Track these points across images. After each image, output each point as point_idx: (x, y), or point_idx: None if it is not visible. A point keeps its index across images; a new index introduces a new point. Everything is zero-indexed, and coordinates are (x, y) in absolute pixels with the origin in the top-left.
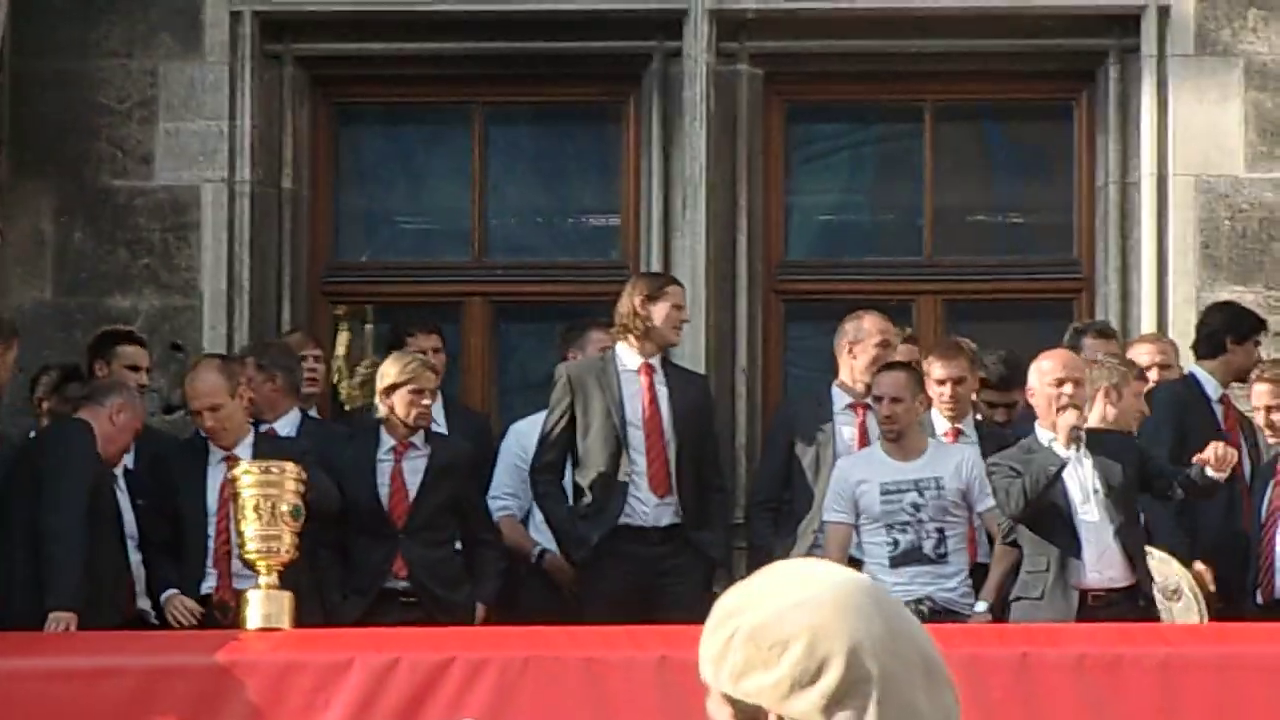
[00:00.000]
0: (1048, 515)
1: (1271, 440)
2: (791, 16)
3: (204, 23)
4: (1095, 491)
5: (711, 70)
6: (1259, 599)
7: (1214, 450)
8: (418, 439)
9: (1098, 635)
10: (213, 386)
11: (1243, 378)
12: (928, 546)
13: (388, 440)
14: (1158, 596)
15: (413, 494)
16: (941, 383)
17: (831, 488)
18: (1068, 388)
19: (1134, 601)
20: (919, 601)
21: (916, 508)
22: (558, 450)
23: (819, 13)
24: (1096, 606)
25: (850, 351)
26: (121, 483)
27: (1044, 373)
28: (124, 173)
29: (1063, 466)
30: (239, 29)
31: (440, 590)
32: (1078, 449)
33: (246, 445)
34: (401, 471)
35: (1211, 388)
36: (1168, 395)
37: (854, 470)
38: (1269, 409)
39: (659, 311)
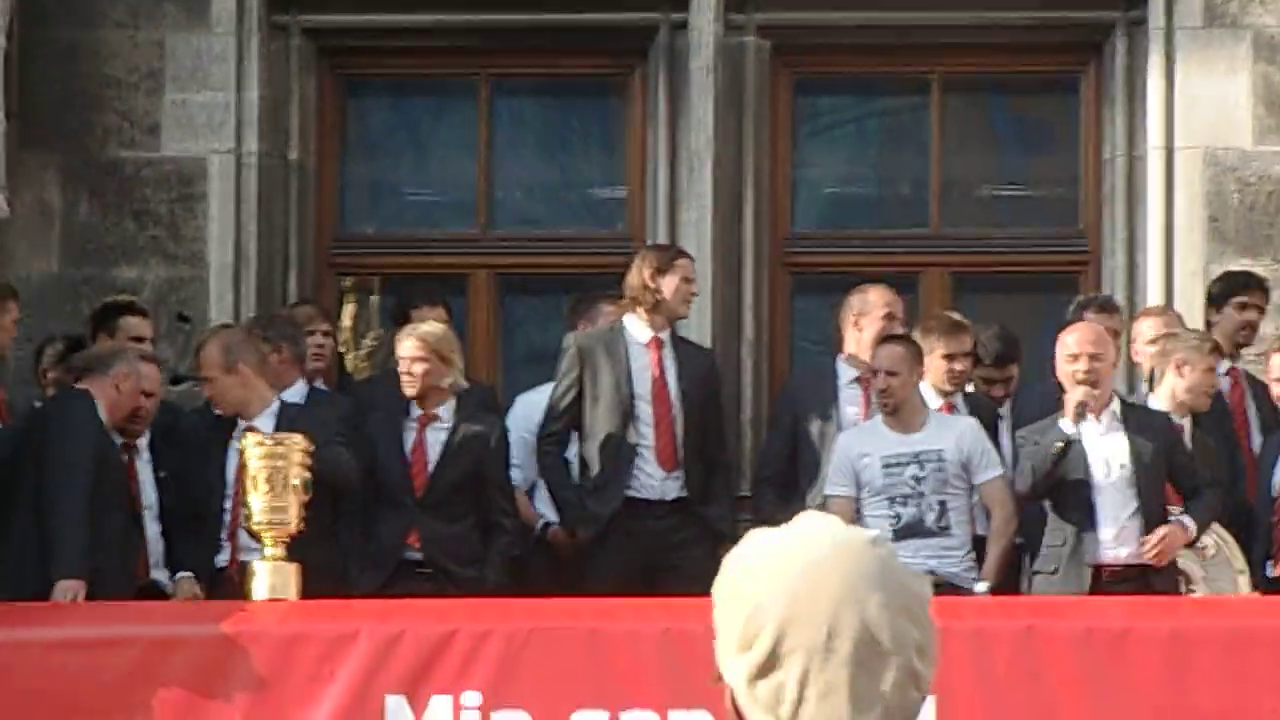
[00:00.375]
0: (1065, 489)
1: None
2: None
3: None
4: (1122, 467)
5: (718, 42)
6: (1271, 570)
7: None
8: (444, 410)
9: (1105, 609)
10: (207, 358)
11: (1246, 341)
12: (930, 519)
13: (414, 410)
14: (1189, 559)
15: (431, 467)
16: (950, 358)
17: (833, 461)
18: (1082, 363)
19: (1146, 580)
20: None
21: (918, 480)
22: (565, 420)
23: None
24: (1111, 582)
25: (856, 324)
26: (146, 454)
27: (1063, 347)
28: (131, 144)
29: (1068, 444)
30: (246, 1)
31: (454, 566)
32: (1098, 422)
33: (269, 416)
34: (424, 442)
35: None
36: None
37: (855, 443)
38: None
39: (669, 284)
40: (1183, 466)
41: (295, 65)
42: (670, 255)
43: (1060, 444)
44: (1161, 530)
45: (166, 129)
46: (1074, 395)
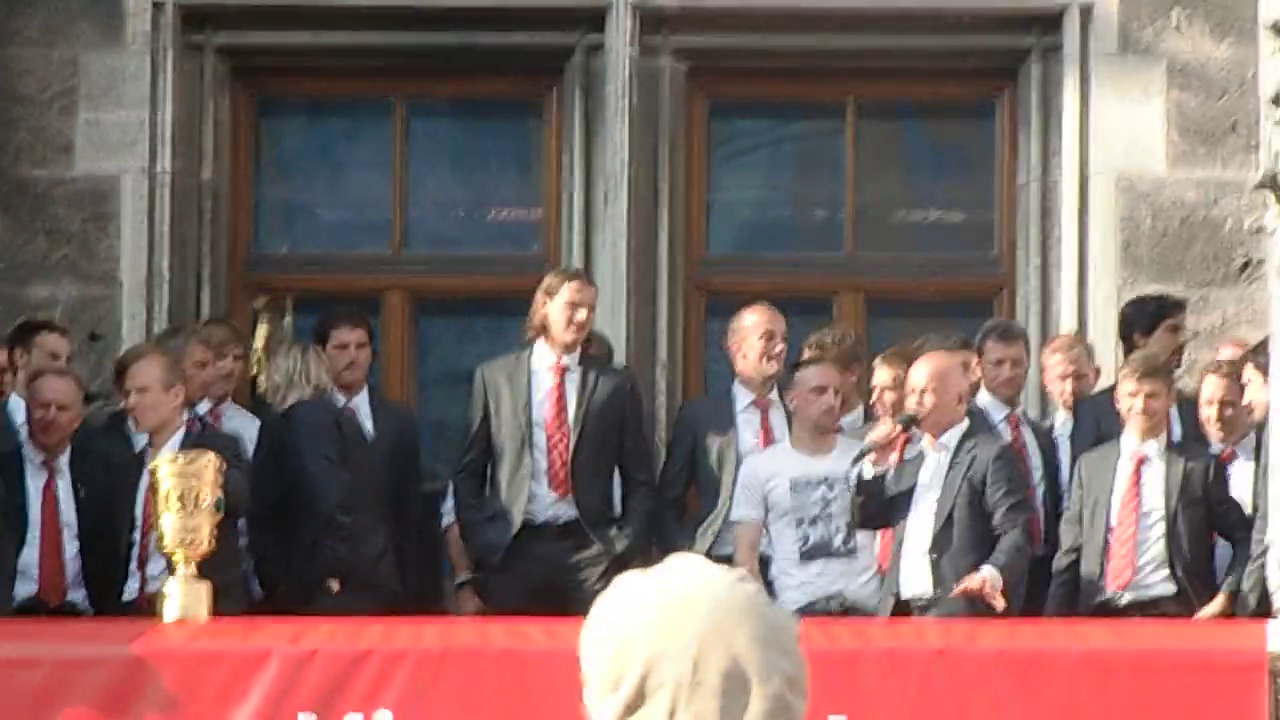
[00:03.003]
0: (891, 518)
1: (1217, 436)
2: (714, 12)
3: (125, 12)
4: (938, 501)
5: (634, 65)
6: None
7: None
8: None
9: (1016, 633)
10: (145, 373)
11: (1177, 364)
12: (837, 541)
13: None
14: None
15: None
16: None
17: (740, 484)
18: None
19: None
20: (830, 598)
21: (827, 502)
22: (476, 450)
23: (742, 8)
24: (912, 609)
25: (739, 349)
26: (65, 471)
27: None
28: (44, 162)
29: (861, 482)
30: (160, 19)
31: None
32: (934, 452)
33: (176, 439)
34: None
35: None
36: (1087, 409)
37: (762, 466)
38: (1221, 404)
39: (554, 309)
40: (995, 505)
41: (209, 84)
42: (560, 279)
43: (857, 476)
44: (965, 583)
45: (80, 147)
46: (872, 433)
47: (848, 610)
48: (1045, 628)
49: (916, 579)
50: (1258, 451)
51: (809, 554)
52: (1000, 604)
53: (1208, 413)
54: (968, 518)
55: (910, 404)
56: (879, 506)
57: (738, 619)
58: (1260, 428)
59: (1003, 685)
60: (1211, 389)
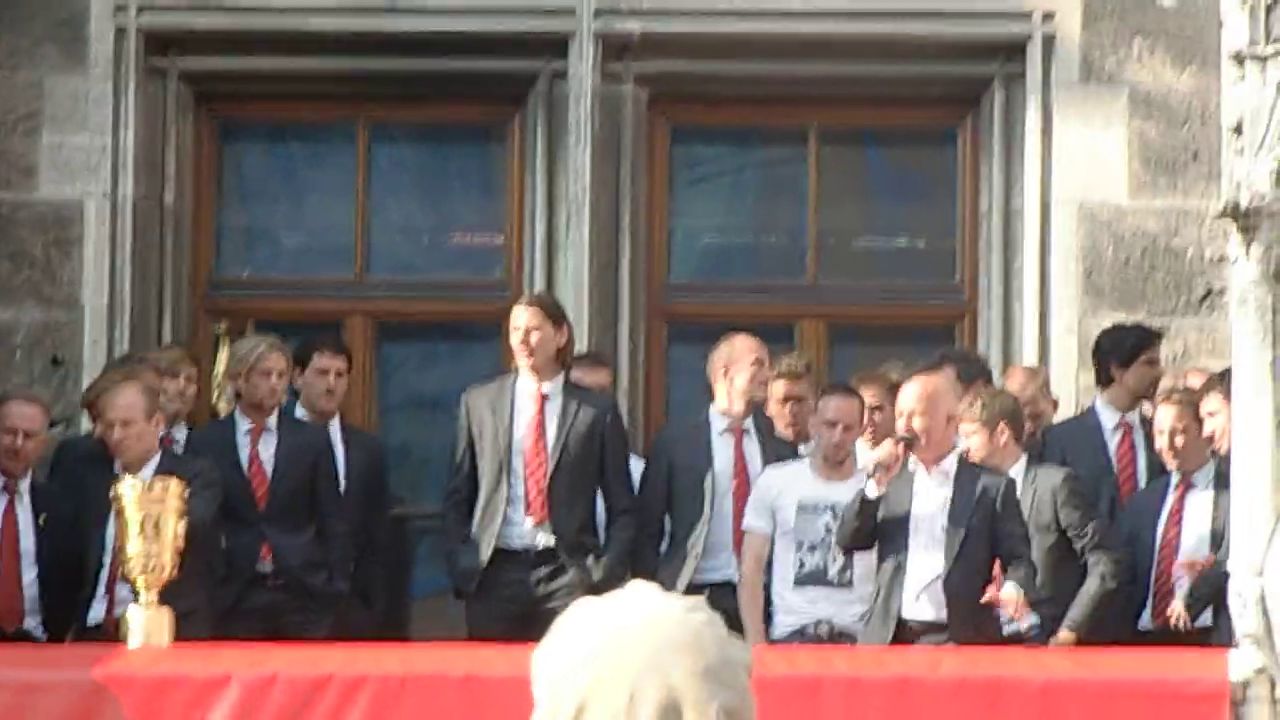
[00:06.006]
0: (885, 542)
1: (1171, 464)
2: (677, 39)
3: (89, 36)
4: (943, 529)
5: (596, 90)
6: (1147, 622)
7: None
8: (270, 421)
9: (977, 660)
10: (127, 404)
11: (1149, 395)
12: (833, 570)
13: (244, 422)
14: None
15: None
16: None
17: (753, 495)
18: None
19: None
20: (818, 624)
21: (829, 530)
22: (461, 476)
23: (704, 36)
24: (914, 637)
25: (726, 373)
26: (26, 498)
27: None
28: (6, 185)
29: (864, 502)
30: (124, 44)
31: (305, 575)
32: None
33: (152, 466)
34: (258, 455)
35: (1108, 418)
36: (1056, 436)
37: (775, 481)
38: (1172, 432)
39: (512, 334)
40: (1007, 534)
41: (172, 109)
42: (516, 304)
43: (859, 501)
44: (990, 594)
45: (43, 171)
46: (871, 454)
47: (835, 636)
48: (1006, 655)
49: (923, 606)
50: (1217, 480)
51: (802, 580)
52: (1022, 618)
53: (1161, 442)
54: (980, 546)
55: (900, 426)
56: (870, 529)
57: (678, 651)
58: (1224, 457)
59: (963, 714)
60: (1166, 418)
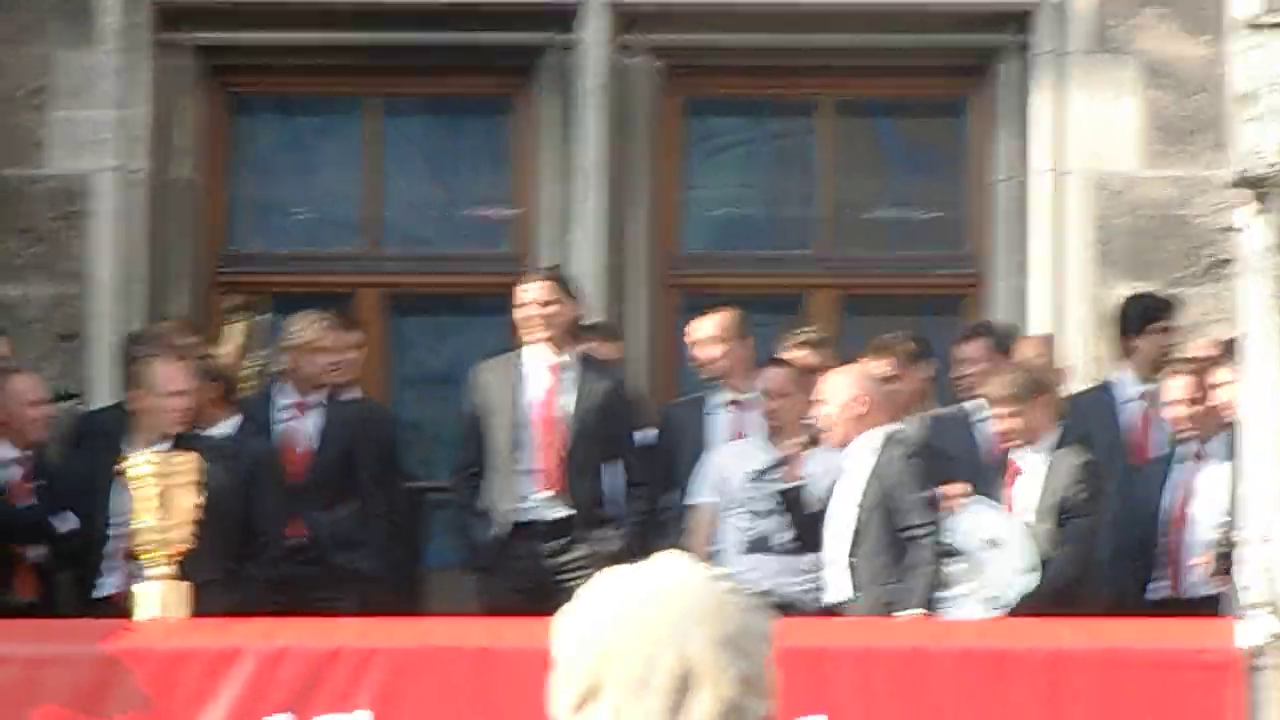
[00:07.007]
0: (816, 526)
1: (1181, 436)
2: (689, 10)
3: (98, 10)
4: (858, 506)
5: (609, 62)
6: (1153, 592)
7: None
8: (315, 397)
9: (985, 631)
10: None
11: (1163, 364)
12: (778, 537)
13: (286, 396)
14: (973, 546)
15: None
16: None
17: (703, 470)
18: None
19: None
20: (761, 594)
21: (776, 500)
22: (471, 450)
23: (716, 6)
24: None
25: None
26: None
27: None
28: (15, 160)
29: (786, 490)
30: (134, 17)
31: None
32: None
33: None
34: (300, 429)
35: (1126, 388)
36: (1072, 407)
37: (727, 454)
38: (1182, 402)
39: (518, 308)
40: (897, 509)
41: (183, 83)
42: (523, 278)
43: (779, 494)
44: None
45: (52, 145)
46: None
47: (780, 608)
48: (1016, 625)
49: (839, 584)
50: (1230, 451)
51: (750, 547)
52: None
53: (1173, 412)
54: (879, 522)
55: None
56: (810, 521)
57: (697, 619)
58: (1233, 426)
59: (972, 683)
60: (1176, 388)
